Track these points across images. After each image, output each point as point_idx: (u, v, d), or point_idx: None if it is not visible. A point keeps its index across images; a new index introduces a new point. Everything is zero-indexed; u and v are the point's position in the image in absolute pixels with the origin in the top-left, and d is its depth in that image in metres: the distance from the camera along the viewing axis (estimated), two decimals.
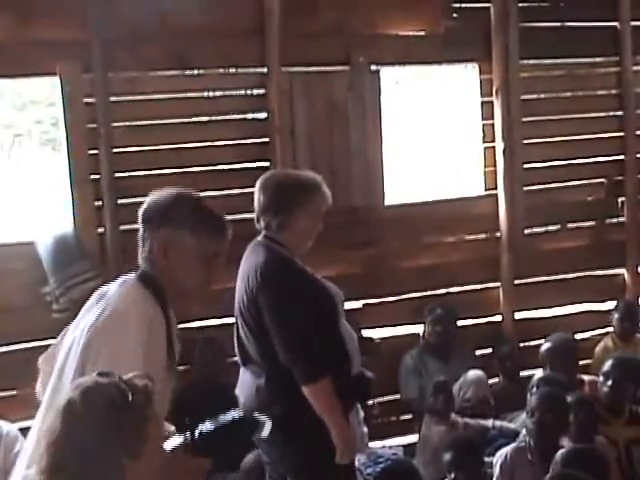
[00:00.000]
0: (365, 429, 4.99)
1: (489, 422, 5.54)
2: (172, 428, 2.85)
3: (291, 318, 3.89)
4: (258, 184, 4.13)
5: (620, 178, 6.88)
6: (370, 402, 4.91)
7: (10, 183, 15.85)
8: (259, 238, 4.10)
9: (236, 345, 4.17)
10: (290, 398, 3.91)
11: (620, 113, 6.85)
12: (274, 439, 4.01)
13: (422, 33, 6.20)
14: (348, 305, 4.74)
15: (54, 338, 5.27)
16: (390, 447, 5.59)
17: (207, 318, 5.70)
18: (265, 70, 5.80)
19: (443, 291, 6.26)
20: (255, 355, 4.05)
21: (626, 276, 6.95)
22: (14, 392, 5.27)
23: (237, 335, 4.16)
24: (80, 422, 2.05)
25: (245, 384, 4.12)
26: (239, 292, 4.08)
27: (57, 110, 5.56)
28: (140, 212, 3.00)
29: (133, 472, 2.09)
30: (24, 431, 4.76)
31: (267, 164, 5.66)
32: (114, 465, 2.06)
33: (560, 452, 4.46)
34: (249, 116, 5.92)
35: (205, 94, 5.85)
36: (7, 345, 5.30)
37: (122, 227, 5.51)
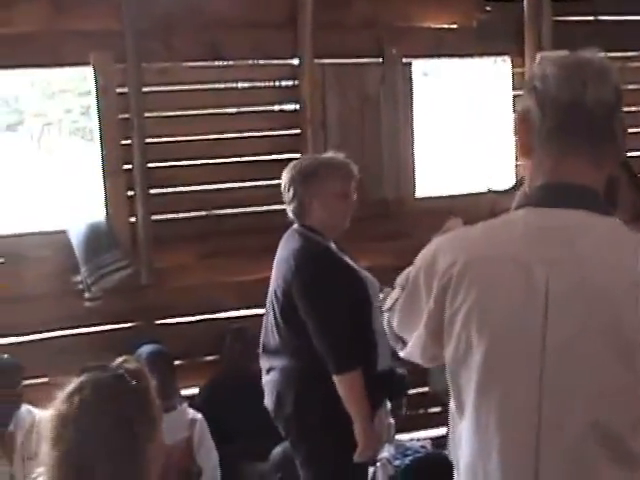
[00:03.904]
0: (392, 421, 5.00)
1: None
2: None
3: (325, 305, 3.90)
4: (283, 174, 4.16)
5: None
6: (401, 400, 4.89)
7: (40, 172, 15.94)
8: (294, 226, 4.12)
9: (262, 333, 4.19)
10: (302, 390, 3.96)
11: None
12: (288, 430, 4.07)
13: (454, 26, 6.19)
14: None
15: (85, 326, 5.41)
16: (419, 440, 5.60)
17: (237, 309, 5.73)
18: (297, 62, 5.80)
19: None
20: (278, 345, 4.07)
21: None
22: (46, 379, 5.30)
23: (265, 324, 4.18)
24: (98, 419, 2.07)
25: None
26: (273, 280, 4.10)
27: (86, 99, 5.60)
28: None
29: (151, 455, 2.12)
30: None
31: (298, 156, 5.66)
32: (139, 453, 2.09)
33: None
34: (281, 107, 5.93)
35: (237, 85, 5.86)
36: (39, 333, 5.33)
37: (154, 217, 5.54)
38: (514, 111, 6.45)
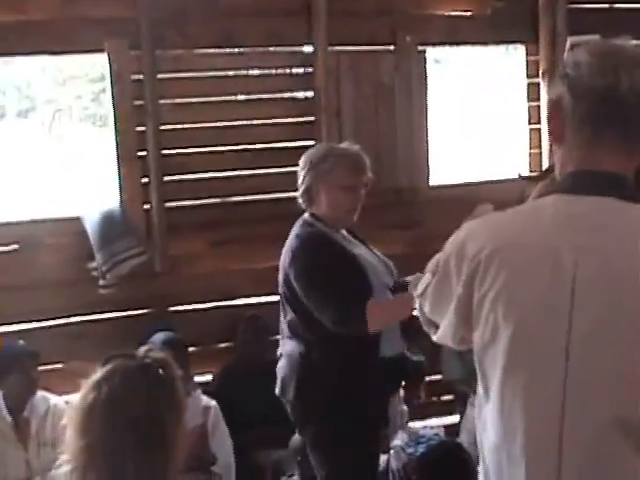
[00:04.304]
0: (405, 407, 5.01)
1: None
2: None
3: (321, 286, 3.90)
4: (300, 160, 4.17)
5: None
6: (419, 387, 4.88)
7: (52, 158, 15.96)
8: (304, 214, 4.13)
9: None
10: (303, 375, 3.97)
11: None
12: (294, 414, 4.09)
13: (469, 14, 6.17)
14: None
15: (100, 313, 5.43)
16: (432, 428, 5.60)
17: (251, 296, 5.75)
18: (312, 49, 5.79)
19: None
20: (285, 331, 4.11)
21: None
22: (60, 365, 5.33)
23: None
24: (128, 407, 2.08)
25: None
26: (280, 268, 4.12)
27: (97, 86, 5.62)
28: None
29: (178, 442, 2.15)
30: (70, 404, 4.86)
31: (312, 143, 5.65)
32: (167, 440, 2.10)
33: None
34: (295, 95, 5.94)
35: (251, 72, 5.87)
36: (54, 319, 5.35)
37: (168, 204, 5.55)
38: (529, 99, 6.44)
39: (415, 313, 2.38)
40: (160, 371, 2.15)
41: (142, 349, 2.21)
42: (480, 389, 2.08)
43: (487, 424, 2.04)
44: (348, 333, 3.85)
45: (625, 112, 1.98)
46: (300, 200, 4.11)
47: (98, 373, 2.12)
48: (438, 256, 2.18)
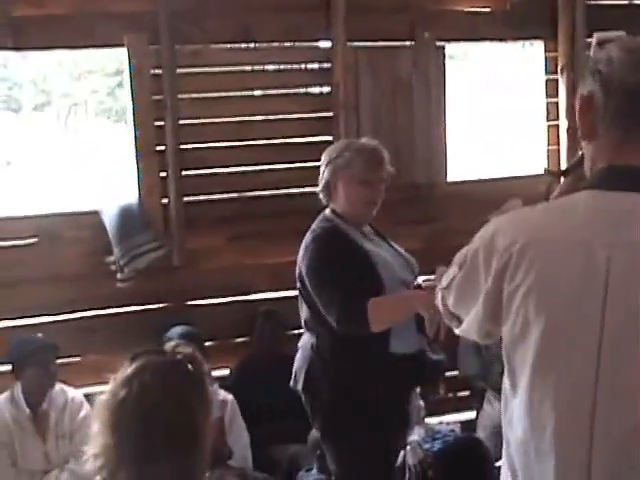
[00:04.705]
0: (422, 403, 5.00)
1: None
2: None
3: (324, 280, 3.89)
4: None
5: None
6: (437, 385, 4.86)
7: (68, 152, 16.00)
8: (326, 210, 4.13)
9: None
10: (312, 366, 3.98)
11: None
12: (306, 405, 4.10)
13: (488, 9, 6.16)
14: None
15: (118, 307, 5.45)
16: (448, 424, 5.60)
17: (268, 291, 5.76)
18: (330, 44, 5.79)
19: None
20: (302, 324, 4.12)
21: None
22: (78, 359, 5.35)
23: None
24: (160, 403, 2.09)
25: None
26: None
27: (113, 80, 5.63)
28: None
29: (207, 435, 2.17)
30: (89, 397, 4.88)
31: (330, 138, 5.65)
32: (198, 435, 2.12)
33: None
34: (313, 90, 5.94)
35: (270, 67, 5.87)
36: (72, 312, 5.37)
37: (186, 198, 5.57)
38: (547, 95, 6.41)
39: (437, 304, 2.36)
40: (189, 366, 2.16)
41: (169, 344, 2.22)
42: (507, 384, 2.08)
43: (514, 419, 2.04)
44: (351, 332, 3.85)
45: None
46: (320, 195, 4.12)
47: (127, 369, 2.12)
48: (466, 249, 2.17)
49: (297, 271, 4.05)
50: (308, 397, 4.07)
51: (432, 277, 3.78)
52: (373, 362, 3.90)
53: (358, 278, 3.86)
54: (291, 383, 4.14)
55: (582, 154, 2.14)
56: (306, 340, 4.09)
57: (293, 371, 4.13)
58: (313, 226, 4.05)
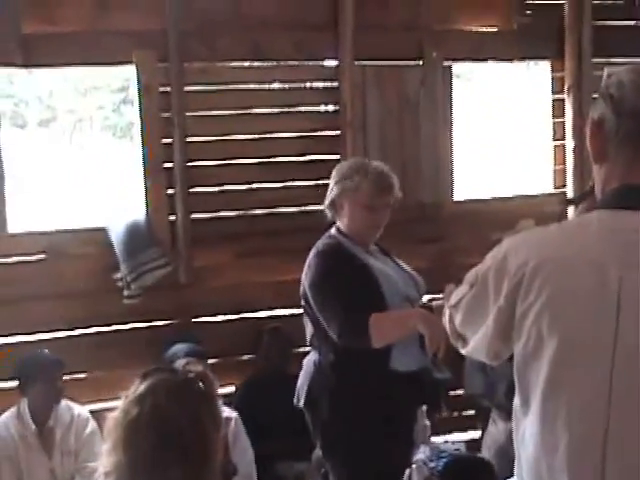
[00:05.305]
0: (428, 422, 4.99)
1: None
2: None
3: (325, 297, 3.91)
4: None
5: None
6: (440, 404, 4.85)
7: (73, 168, 16.02)
8: (332, 229, 4.15)
9: None
10: (314, 382, 4.01)
11: None
12: (309, 421, 4.11)
13: (495, 29, 6.19)
14: None
15: (125, 323, 5.46)
16: (453, 443, 5.60)
17: (274, 308, 5.76)
18: (338, 63, 5.81)
19: None
20: (308, 341, 4.14)
21: None
22: (84, 375, 5.35)
23: None
24: (172, 422, 2.10)
25: None
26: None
27: (118, 96, 5.65)
28: None
29: (218, 454, 2.18)
30: (94, 413, 4.89)
31: (337, 157, 5.67)
32: (209, 453, 2.12)
33: None
34: (321, 108, 5.95)
35: (278, 85, 5.89)
36: (79, 329, 5.38)
37: (193, 215, 5.58)
38: (554, 115, 6.42)
39: (444, 323, 2.36)
40: (201, 385, 2.17)
41: (180, 362, 2.24)
42: (518, 402, 2.09)
43: (526, 436, 2.05)
44: (352, 345, 3.86)
45: None
46: (326, 211, 4.14)
47: (139, 387, 2.13)
48: (477, 268, 2.18)
49: (301, 288, 4.07)
50: (310, 414, 4.09)
51: (441, 296, 3.80)
52: (373, 379, 3.91)
53: (360, 293, 3.88)
54: (294, 400, 4.15)
55: (592, 185, 2.16)
56: (310, 358, 4.12)
57: (297, 387, 4.15)
58: (318, 243, 4.08)
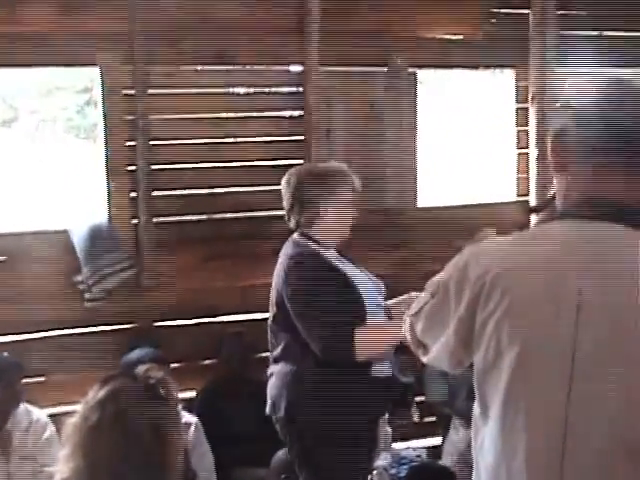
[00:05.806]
0: (389, 429, 5.00)
1: None
2: None
3: (308, 308, 3.90)
4: (282, 182, 4.17)
5: None
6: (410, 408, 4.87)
7: (36, 169, 15.90)
8: (294, 235, 4.13)
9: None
10: (293, 393, 3.98)
11: None
12: (283, 433, 4.09)
13: (461, 37, 6.21)
14: None
15: (86, 327, 5.41)
16: (414, 449, 5.61)
17: (237, 313, 5.74)
18: (303, 68, 5.81)
19: None
20: (277, 351, 4.10)
21: None
22: (44, 378, 5.31)
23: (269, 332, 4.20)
24: (132, 427, 2.09)
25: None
26: (272, 289, 4.12)
27: (82, 97, 5.61)
28: None
29: (177, 460, 2.17)
30: (53, 417, 4.84)
31: (301, 162, 5.66)
32: (168, 458, 2.11)
33: None
34: (286, 114, 5.94)
35: (242, 90, 5.88)
36: (39, 332, 5.33)
37: (156, 219, 5.55)
38: (518, 124, 6.46)
39: (404, 330, 2.36)
40: (162, 391, 2.16)
41: (141, 368, 2.22)
42: (477, 411, 2.10)
43: (485, 445, 2.06)
44: (335, 359, 3.87)
45: (629, 142, 2.01)
46: (293, 219, 4.12)
47: (99, 392, 2.11)
48: (438, 277, 2.19)
49: (274, 297, 4.04)
50: (288, 425, 4.05)
51: (398, 298, 3.84)
52: (355, 387, 3.91)
53: (342, 304, 3.89)
54: (267, 410, 4.11)
55: (553, 194, 2.17)
56: (283, 367, 4.06)
57: (269, 398, 4.10)
58: (288, 251, 4.04)
